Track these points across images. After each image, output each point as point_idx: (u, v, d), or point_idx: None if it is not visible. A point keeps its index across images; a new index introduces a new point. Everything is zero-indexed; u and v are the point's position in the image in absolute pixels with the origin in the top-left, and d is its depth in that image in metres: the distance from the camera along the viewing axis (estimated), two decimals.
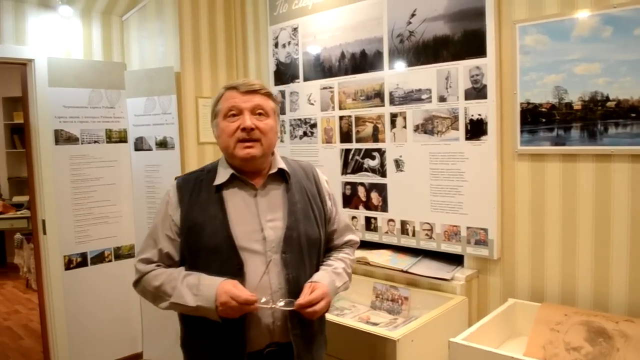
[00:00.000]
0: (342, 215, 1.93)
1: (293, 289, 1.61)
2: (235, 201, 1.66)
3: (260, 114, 1.65)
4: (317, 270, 1.74)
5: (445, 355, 2.06)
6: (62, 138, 3.37)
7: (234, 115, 1.63)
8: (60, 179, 3.38)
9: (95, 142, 3.50)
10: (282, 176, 1.74)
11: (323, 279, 1.66)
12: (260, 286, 1.57)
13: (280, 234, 1.64)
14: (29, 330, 4.57)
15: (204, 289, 1.53)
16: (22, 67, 3.37)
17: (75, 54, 3.47)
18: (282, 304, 1.57)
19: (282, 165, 1.74)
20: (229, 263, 1.58)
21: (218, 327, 1.56)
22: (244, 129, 1.60)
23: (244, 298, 1.48)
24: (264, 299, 1.55)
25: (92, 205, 3.49)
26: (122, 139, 3.60)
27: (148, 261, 1.67)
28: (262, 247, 1.62)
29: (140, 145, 3.54)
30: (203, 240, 1.61)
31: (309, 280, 1.65)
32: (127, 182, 3.60)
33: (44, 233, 3.36)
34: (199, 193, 1.68)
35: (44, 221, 3.36)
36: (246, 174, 1.69)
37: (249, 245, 1.61)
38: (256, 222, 1.64)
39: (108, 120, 3.55)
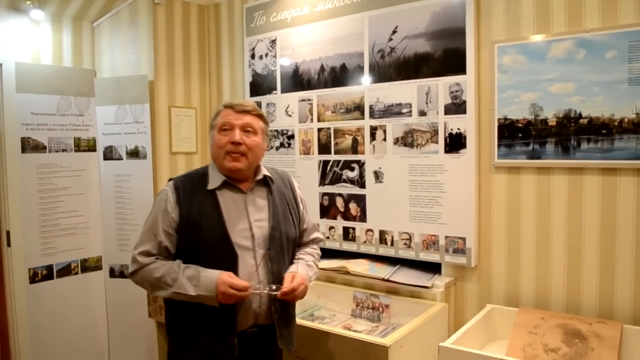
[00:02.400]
0: (310, 216, 2.21)
1: (275, 279, 1.88)
2: (228, 202, 1.90)
3: (248, 131, 1.89)
4: (291, 263, 2.00)
5: None
6: (29, 146, 3.26)
7: (226, 129, 1.88)
8: (26, 188, 3.26)
9: (64, 150, 3.41)
10: (265, 182, 1.99)
11: (300, 270, 1.94)
12: (251, 276, 1.84)
13: (265, 233, 1.90)
14: None
15: (204, 280, 1.76)
16: None
17: (44, 60, 3.37)
18: (267, 290, 1.83)
19: (267, 173, 2.00)
20: (224, 256, 1.82)
21: (211, 311, 1.79)
22: (232, 143, 1.85)
23: (241, 285, 1.75)
24: (254, 286, 1.81)
25: (59, 216, 3.39)
26: (91, 148, 3.51)
27: (147, 254, 1.85)
28: (251, 243, 1.87)
29: (109, 154, 3.48)
30: (201, 235, 1.83)
31: (288, 271, 1.92)
32: (96, 192, 3.52)
33: (8, 245, 3.23)
34: (194, 194, 1.89)
35: (8, 232, 3.23)
36: (235, 180, 1.92)
37: (240, 242, 1.85)
38: (246, 221, 1.89)
39: (77, 128, 3.46)
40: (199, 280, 1.76)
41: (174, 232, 1.86)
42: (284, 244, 1.94)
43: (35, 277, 3.28)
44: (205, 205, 1.86)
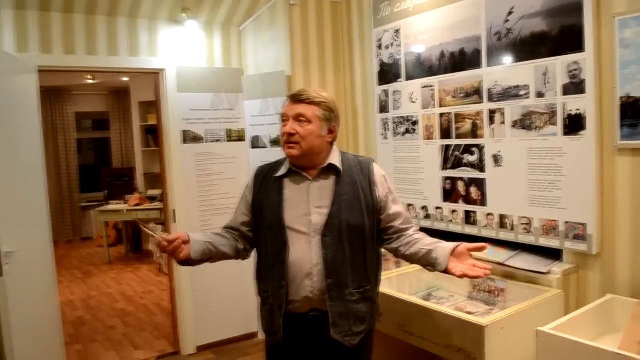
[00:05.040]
0: (403, 209, 2.08)
1: (329, 266, 1.90)
2: (292, 189, 1.99)
3: (301, 120, 1.92)
4: (362, 254, 1.96)
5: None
6: (189, 137, 3.79)
7: (284, 121, 1.97)
8: (188, 174, 3.80)
9: (217, 140, 3.89)
10: (335, 170, 1.99)
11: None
12: (302, 260, 1.90)
13: (324, 220, 1.92)
14: (160, 308, 5.14)
15: None
16: (155, 75, 3.83)
17: (199, 62, 3.87)
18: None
19: (333, 161, 2.00)
20: (278, 240, 1.93)
21: (269, 286, 1.97)
22: (286, 134, 1.93)
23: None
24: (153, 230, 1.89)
25: (214, 198, 3.89)
26: (241, 138, 3.96)
27: (225, 227, 2.13)
28: (307, 229, 1.93)
29: (256, 143, 3.89)
30: (263, 219, 1.99)
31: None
32: (245, 177, 3.94)
33: (174, 221, 3.80)
34: (268, 181, 2.04)
35: (174, 211, 3.80)
36: (302, 167, 1.98)
37: (296, 227, 1.93)
38: (306, 207, 1.95)
39: (228, 121, 3.92)
40: None
41: (249, 213, 2.06)
42: (343, 233, 1.91)
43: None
44: (271, 190, 1.99)
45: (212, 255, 2.00)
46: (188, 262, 1.94)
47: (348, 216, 1.93)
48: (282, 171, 2.00)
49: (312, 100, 1.94)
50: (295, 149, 1.91)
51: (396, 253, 2.05)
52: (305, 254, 1.91)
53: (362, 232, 1.96)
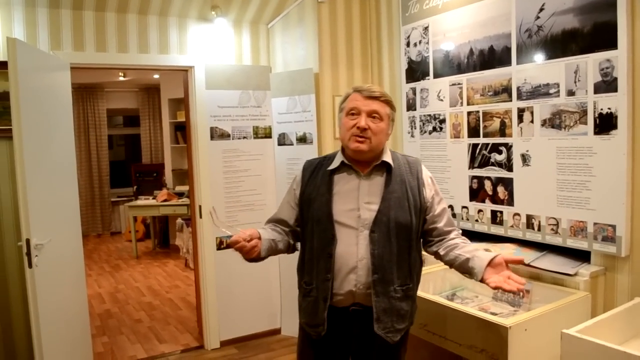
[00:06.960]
0: (447, 212, 2.08)
1: (376, 262, 1.91)
2: (342, 184, 2.01)
3: (374, 117, 1.94)
4: (407, 252, 1.97)
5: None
6: (217, 134, 3.83)
7: (353, 114, 1.96)
8: (215, 170, 3.84)
9: (244, 137, 3.92)
10: (386, 167, 2.00)
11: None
12: (348, 253, 1.93)
13: (372, 216, 1.93)
14: (186, 302, 5.19)
15: None
16: (184, 72, 3.88)
17: (227, 59, 3.91)
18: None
19: (386, 158, 2.01)
20: (326, 232, 1.95)
21: (314, 280, 1.98)
22: (358, 127, 1.92)
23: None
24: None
25: (240, 194, 3.92)
26: (267, 135, 3.98)
27: (270, 220, 2.15)
28: (356, 224, 1.94)
29: (282, 140, 3.91)
30: (312, 212, 2.00)
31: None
32: (271, 174, 3.98)
33: (200, 217, 3.84)
34: (317, 174, 2.05)
35: (200, 207, 3.84)
36: (355, 163, 2.00)
37: (345, 221, 1.95)
38: (355, 202, 1.97)
39: (255, 118, 3.95)
40: None
41: (296, 207, 2.07)
42: (391, 230, 1.92)
43: (221, 244, 3.85)
44: (321, 184, 2.00)
45: (273, 252, 2.02)
46: (257, 259, 1.97)
47: (396, 214, 1.94)
48: (334, 165, 2.02)
49: (386, 99, 1.99)
50: (365, 144, 1.92)
51: (436, 256, 2.07)
52: (351, 247, 1.93)
53: (408, 231, 1.97)
